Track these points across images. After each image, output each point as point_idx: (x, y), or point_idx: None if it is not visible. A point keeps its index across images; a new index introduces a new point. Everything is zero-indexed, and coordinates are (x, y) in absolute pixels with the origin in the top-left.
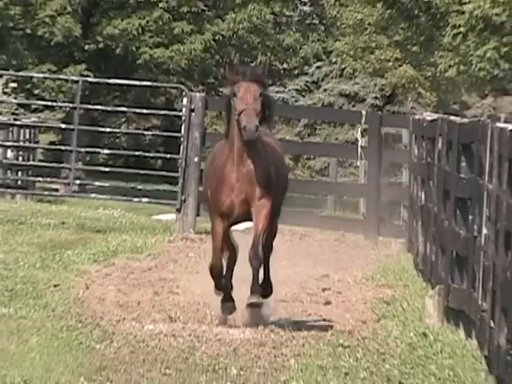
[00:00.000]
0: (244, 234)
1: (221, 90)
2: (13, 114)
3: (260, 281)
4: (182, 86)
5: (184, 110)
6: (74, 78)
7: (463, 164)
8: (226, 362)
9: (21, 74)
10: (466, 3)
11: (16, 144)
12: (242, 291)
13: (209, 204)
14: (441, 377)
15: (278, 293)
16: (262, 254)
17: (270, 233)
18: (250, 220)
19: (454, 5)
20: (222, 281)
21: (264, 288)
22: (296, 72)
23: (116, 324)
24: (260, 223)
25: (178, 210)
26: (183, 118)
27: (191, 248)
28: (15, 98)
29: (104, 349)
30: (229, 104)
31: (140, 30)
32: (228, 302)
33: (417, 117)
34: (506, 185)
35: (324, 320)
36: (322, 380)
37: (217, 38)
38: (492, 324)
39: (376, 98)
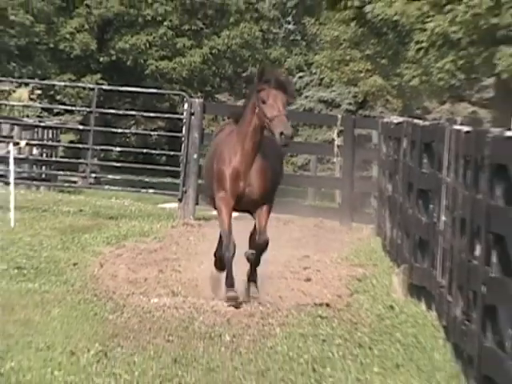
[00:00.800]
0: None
1: (217, 96)
2: (38, 116)
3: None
4: (183, 93)
5: (185, 113)
6: (91, 86)
7: (425, 160)
8: (220, 331)
9: (45, 82)
10: (428, 22)
11: (40, 142)
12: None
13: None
14: (405, 343)
15: (265, 271)
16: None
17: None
18: (247, 212)
19: (418, 23)
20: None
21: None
22: None
23: (126, 297)
24: (264, 220)
25: (180, 200)
26: (184, 120)
27: (191, 232)
28: (40, 103)
29: (116, 319)
30: (247, 104)
31: (147, 45)
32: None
33: (385, 120)
34: (461, 178)
35: (305, 294)
36: (303, 346)
37: (213, 51)
38: (449, 298)
39: (350, 103)
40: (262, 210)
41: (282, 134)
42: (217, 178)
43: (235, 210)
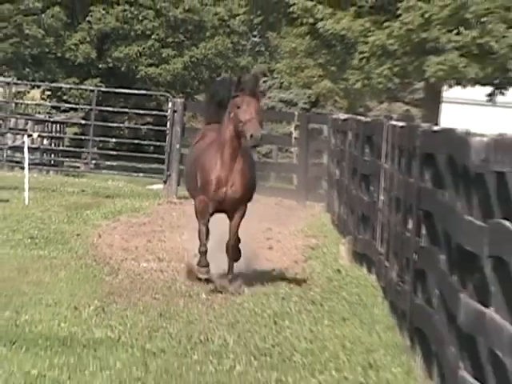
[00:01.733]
0: None
1: (195, 97)
2: (48, 113)
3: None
4: (168, 94)
5: (169, 111)
6: (91, 88)
7: (367, 150)
8: (198, 290)
9: (53, 84)
10: (369, 36)
11: (50, 134)
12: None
13: (195, 192)
14: (350, 300)
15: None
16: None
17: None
18: (224, 212)
19: (361, 37)
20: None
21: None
22: None
23: (120, 262)
24: (236, 223)
25: (165, 182)
26: (168, 117)
27: (174, 209)
28: (49, 102)
29: (111, 280)
30: (218, 101)
31: (138, 54)
32: (204, 266)
33: (334, 116)
34: (396, 165)
35: (267, 260)
36: (266, 302)
37: (192, 60)
38: (387, 263)
39: (305, 103)
40: (236, 216)
41: (251, 136)
42: (200, 185)
43: (215, 211)
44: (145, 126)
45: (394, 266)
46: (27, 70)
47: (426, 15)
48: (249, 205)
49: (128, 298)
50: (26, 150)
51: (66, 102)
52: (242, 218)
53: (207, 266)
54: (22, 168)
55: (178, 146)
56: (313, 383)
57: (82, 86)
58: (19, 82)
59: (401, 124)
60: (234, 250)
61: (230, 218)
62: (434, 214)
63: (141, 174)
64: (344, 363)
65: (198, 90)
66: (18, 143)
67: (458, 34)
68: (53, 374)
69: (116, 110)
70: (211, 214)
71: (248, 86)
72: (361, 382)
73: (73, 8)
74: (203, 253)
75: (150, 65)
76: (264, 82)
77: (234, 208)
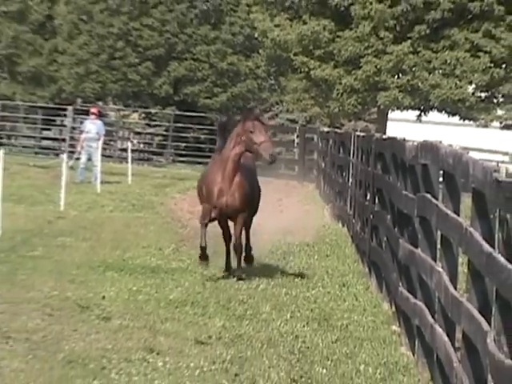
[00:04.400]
0: None
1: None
2: (142, 128)
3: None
4: (217, 116)
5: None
6: (170, 112)
7: (341, 150)
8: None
9: (146, 110)
10: (342, 79)
11: (144, 141)
12: None
13: (203, 203)
14: (330, 243)
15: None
16: (245, 240)
17: (246, 226)
18: (231, 219)
19: (337, 79)
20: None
21: (249, 258)
22: (268, 110)
23: (188, 220)
24: (238, 227)
25: None
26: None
27: None
28: (144, 121)
29: (182, 232)
30: (224, 132)
31: (199, 91)
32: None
33: (321, 129)
34: (360, 159)
35: (279, 219)
36: (278, 244)
37: (233, 94)
38: (353, 221)
39: (303, 121)
40: (238, 221)
41: (270, 155)
42: (205, 194)
43: (219, 219)
44: (203, 136)
45: (358, 223)
46: (130, 101)
47: (378, 66)
48: (267, 184)
49: (193, 243)
50: (129, 150)
51: (154, 121)
52: (243, 224)
53: (207, 259)
54: (127, 162)
55: None
56: (308, 295)
57: (164, 111)
58: (125, 108)
59: (362, 134)
60: (239, 249)
61: (234, 223)
62: (383, 189)
63: (200, 165)
64: (327, 283)
65: (235, 114)
66: (124, 146)
67: (398, 78)
68: (146, 289)
69: (185, 126)
70: (215, 219)
71: (255, 115)
72: (337, 294)
73: (158, 62)
74: (203, 248)
75: (206, 98)
76: (277, 107)
77: (235, 215)
